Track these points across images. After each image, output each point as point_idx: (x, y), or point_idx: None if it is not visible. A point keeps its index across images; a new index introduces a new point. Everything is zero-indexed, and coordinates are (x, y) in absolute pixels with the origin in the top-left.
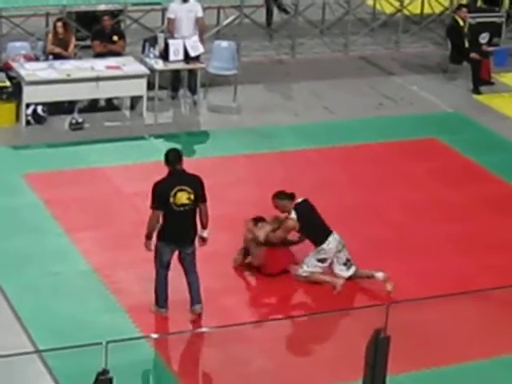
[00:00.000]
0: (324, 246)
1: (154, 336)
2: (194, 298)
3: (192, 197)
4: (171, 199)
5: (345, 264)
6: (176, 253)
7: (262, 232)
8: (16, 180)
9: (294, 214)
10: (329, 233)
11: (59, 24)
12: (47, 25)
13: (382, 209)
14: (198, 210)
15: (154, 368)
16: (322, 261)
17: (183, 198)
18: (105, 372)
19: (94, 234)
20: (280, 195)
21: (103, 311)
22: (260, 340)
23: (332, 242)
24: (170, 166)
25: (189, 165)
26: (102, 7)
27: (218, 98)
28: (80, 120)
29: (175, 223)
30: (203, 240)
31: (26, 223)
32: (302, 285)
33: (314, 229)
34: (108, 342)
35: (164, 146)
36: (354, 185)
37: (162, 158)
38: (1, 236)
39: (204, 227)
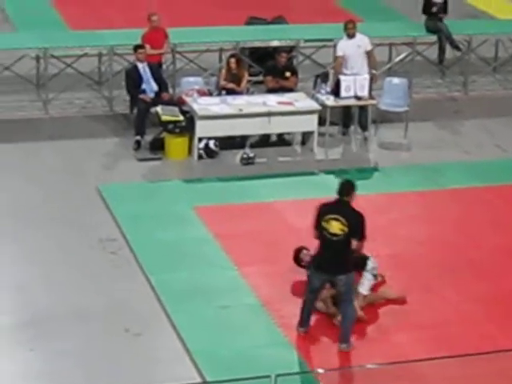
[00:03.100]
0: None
1: (321, 371)
2: (340, 335)
3: (346, 229)
4: (324, 224)
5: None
6: None
7: None
8: (187, 212)
9: None
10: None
11: (232, 60)
12: (220, 60)
13: None
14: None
15: None
16: (375, 277)
17: (336, 227)
18: None
19: (263, 268)
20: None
21: (271, 345)
22: (430, 379)
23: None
24: (338, 194)
25: (358, 201)
26: (275, 43)
27: (388, 135)
28: (251, 155)
29: (325, 251)
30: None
31: (196, 256)
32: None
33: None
34: (277, 376)
35: (334, 182)
36: None
37: (332, 194)
38: (171, 268)
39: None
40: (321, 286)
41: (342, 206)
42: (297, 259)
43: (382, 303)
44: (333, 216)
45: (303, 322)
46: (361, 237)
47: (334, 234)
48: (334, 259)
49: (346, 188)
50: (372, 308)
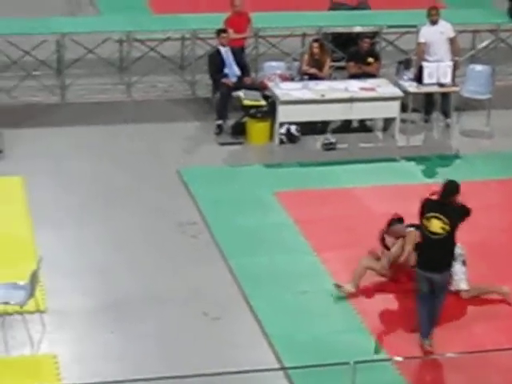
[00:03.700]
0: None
1: (399, 359)
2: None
3: (447, 228)
4: (425, 221)
5: None
6: None
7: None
8: (268, 198)
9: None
10: None
11: (315, 45)
12: (303, 45)
13: None
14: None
15: None
16: (464, 263)
17: (437, 226)
18: None
19: (342, 253)
20: (392, 222)
21: (348, 331)
22: (509, 369)
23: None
24: (441, 195)
25: (439, 188)
26: (358, 29)
27: (470, 122)
28: (333, 140)
29: (426, 249)
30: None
31: (276, 241)
32: None
33: None
34: (356, 363)
35: (415, 168)
36: None
37: (413, 180)
38: (251, 252)
39: None
40: (430, 291)
41: (444, 204)
42: (383, 240)
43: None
44: (434, 214)
45: (424, 331)
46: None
47: (434, 233)
48: (434, 258)
49: (449, 190)
50: (450, 297)
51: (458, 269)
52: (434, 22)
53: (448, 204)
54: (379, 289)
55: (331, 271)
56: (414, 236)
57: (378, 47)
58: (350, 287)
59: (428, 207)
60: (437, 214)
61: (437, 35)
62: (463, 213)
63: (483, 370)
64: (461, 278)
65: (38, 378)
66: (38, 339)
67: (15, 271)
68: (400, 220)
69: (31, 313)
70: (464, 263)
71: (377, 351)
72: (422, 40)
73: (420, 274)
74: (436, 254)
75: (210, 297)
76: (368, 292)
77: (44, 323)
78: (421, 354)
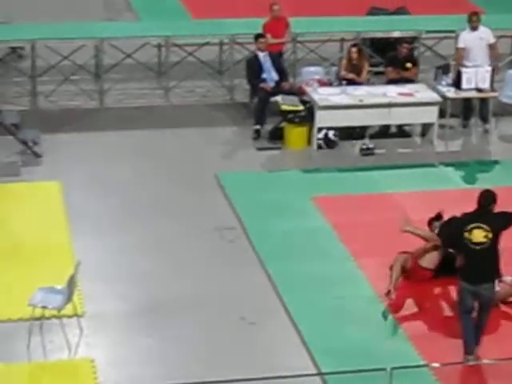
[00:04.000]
0: None
1: (436, 365)
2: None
3: (490, 235)
4: (466, 234)
5: None
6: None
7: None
8: (305, 203)
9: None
10: None
11: (354, 50)
12: (341, 50)
13: None
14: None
15: None
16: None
17: (479, 235)
18: None
19: (380, 259)
20: (431, 221)
21: (386, 337)
22: None
23: None
24: (479, 206)
25: (477, 194)
26: (397, 34)
27: (509, 128)
28: (371, 145)
29: (471, 262)
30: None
31: (314, 246)
32: None
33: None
34: (392, 369)
35: (453, 174)
36: None
37: (451, 186)
38: (288, 257)
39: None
40: (473, 304)
41: (483, 213)
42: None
43: None
44: (475, 225)
45: (469, 347)
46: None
47: (478, 243)
48: (481, 269)
49: (487, 199)
50: None
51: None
52: (474, 28)
53: (487, 213)
54: (416, 294)
55: (369, 277)
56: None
57: (417, 52)
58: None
59: (466, 220)
60: (478, 224)
61: (476, 41)
62: (507, 218)
63: None
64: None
65: (76, 382)
66: (75, 343)
67: (53, 276)
68: (438, 218)
69: (69, 317)
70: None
71: (385, 316)
72: (461, 45)
73: (465, 287)
74: (482, 264)
75: (248, 302)
76: (405, 298)
77: (81, 327)
78: (459, 359)
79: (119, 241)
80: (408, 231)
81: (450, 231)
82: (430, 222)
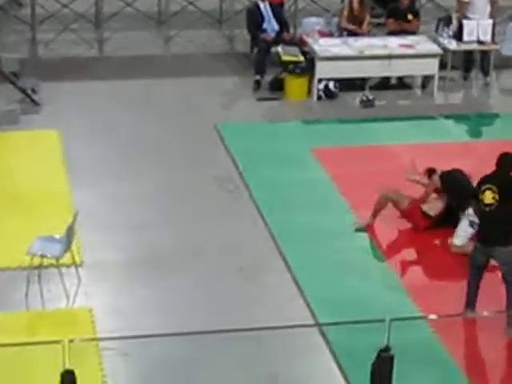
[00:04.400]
0: (468, 211)
1: (433, 317)
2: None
3: (496, 196)
4: (480, 195)
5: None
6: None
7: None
8: (305, 154)
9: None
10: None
11: (355, 0)
12: (342, 1)
13: None
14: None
15: (432, 350)
16: (472, 224)
17: (489, 196)
18: (387, 349)
19: None
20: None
21: (384, 289)
22: None
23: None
24: (497, 168)
25: (478, 146)
26: None
27: (510, 81)
28: (371, 97)
29: (483, 223)
30: None
31: (313, 198)
32: None
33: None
34: (392, 320)
35: (453, 126)
36: None
37: (451, 138)
38: (287, 208)
39: None
40: (485, 263)
41: (498, 175)
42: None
43: None
44: (487, 186)
45: (470, 302)
46: None
47: (488, 204)
48: (492, 230)
49: (506, 162)
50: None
51: (463, 225)
52: None
53: (502, 176)
54: (415, 246)
55: (368, 229)
56: (435, 182)
57: (418, 4)
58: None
59: (483, 181)
60: (489, 186)
61: None
62: None
63: None
64: (460, 234)
65: (74, 330)
66: (73, 292)
67: (51, 225)
68: (431, 171)
69: (67, 266)
70: (472, 224)
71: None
72: None
73: (479, 247)
74: (493, 227)
75: (246, 252)
76: (404, 250)
77: (80, 277)
78: (456, 312)
79: (118, 190)
80: (414, 180)
81: (475, 193)
82: (430, 175)
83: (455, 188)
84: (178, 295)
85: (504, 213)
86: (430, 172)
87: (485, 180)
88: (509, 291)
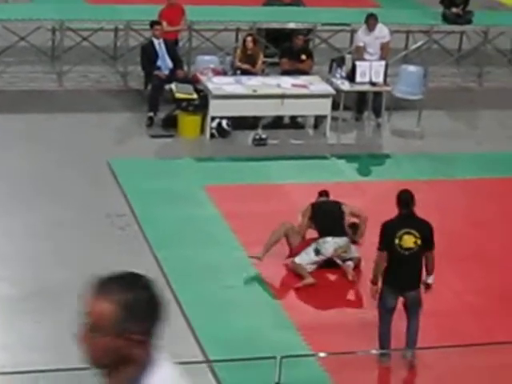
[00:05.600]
0: (320, 240)
1: (322, 355)
2: (408, 344)
3: (419, 242)
4: (396, 241)
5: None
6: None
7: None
8: (197, 191)
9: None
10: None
11: (249, 39)
12: (237, 40)
13: None
14: (423, 256)
15: None
16: (317, 252)
17: (410, 241)
18: None
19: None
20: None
21: (275, 327)
22: (433, 366)
23: (329, 243)
24: (400, 207)
25: (367, 187)
26: (292, 25)
27: (401, 122)
28: (264, 136)
29: (398, 267)
30: (428, 286)
31: (205, 234)
32: None
33: (323, 225)
34: (282, 358)
35: (345, 166)
36: None
37: (343, 178)
38: (179, 245)
39: (429, 273)
40: (395, 304)
41: (409, 218)
42: None
43: None
44: (405, 230)
45: (384, 347)
46: (432, 246)
47: (408, 249)
48: (408, 274)
49: (408, 198)
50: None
51: (309, 249)
52: (371, 29)
53: (413, 217)
54: (307, 286)
55: (258, 267)
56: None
57: (312, 44)
58: (260, 254)
59: (395, 226)
60: (407, 230)
61: (372, 39)
62: (430, 228)
63: (406, 367)
64: (302, 255)
65: None
66: None
67: None
68: (322, 194)
69: None
70: (317, 252)
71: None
72: (360, 44)
73: (390, 290)
74: (409, 270)
75: None
76: (295, 288)
77: None
78: (346, 349)
79: (9, 224)
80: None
81: (386, 238)
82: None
83: (323, 218)
84: (66, 330)
85: (420, 256)
86: (322, 194)
87: (398, 224)
88: (413, 324)
